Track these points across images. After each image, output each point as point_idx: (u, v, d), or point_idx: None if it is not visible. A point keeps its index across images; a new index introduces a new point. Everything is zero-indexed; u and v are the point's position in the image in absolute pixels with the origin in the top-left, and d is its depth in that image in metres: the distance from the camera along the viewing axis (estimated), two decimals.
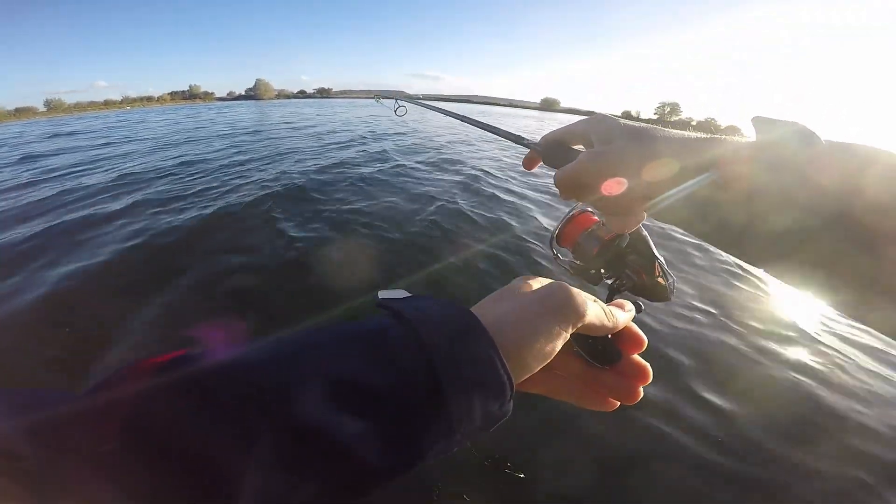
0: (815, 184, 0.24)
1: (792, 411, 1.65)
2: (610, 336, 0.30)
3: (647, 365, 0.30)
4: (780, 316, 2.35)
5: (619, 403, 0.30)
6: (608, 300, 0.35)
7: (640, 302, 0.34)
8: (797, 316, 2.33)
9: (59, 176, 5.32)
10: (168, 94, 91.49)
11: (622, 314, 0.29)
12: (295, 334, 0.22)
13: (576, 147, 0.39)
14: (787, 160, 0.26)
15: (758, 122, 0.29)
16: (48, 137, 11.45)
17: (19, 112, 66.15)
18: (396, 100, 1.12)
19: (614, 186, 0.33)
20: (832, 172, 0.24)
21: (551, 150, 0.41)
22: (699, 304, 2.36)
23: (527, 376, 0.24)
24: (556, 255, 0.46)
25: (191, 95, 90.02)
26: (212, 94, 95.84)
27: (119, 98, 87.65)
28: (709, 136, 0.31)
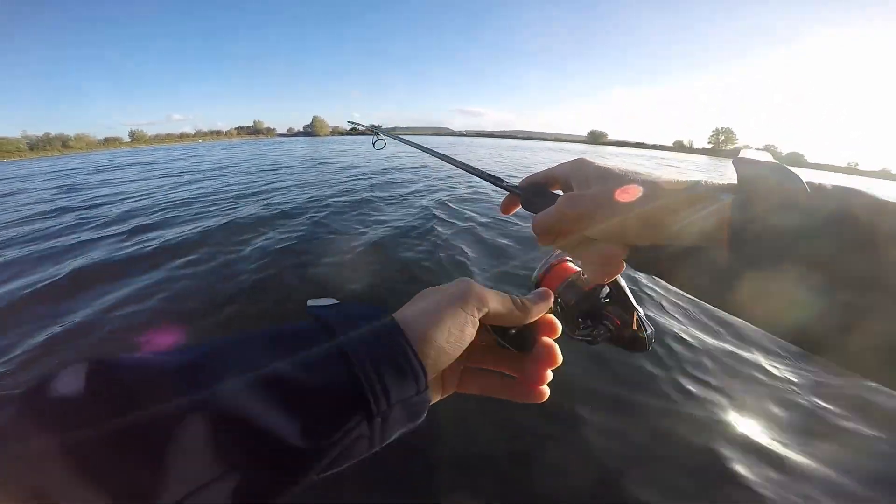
0: (816, 188, 0.25)
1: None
2: (528, 326, 0.33)
3: (556, 347, 0.33)
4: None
5: (547, 392, 0.32)
6: (586, 345, 0.40)
7: (621, 347, 0.39)
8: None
9: None
10: (235, 128, 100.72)
11: (536, 303, 0.32)
12: (228, 335, 0.24)
13: (556, 192, 0.39)
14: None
15: (739, 163, 0.28)
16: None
17: (108, 142, 75.24)
18: (376, 133, 1.10)
19: (594, 229, 0.32)
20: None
21: (530, 195, 0.40)
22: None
23: (448, 361, 0.27)
24: None
25: (255, 131, 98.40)
26: (273, 129, 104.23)
27: (192, 131, 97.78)
28: (688, 181, 0.30)
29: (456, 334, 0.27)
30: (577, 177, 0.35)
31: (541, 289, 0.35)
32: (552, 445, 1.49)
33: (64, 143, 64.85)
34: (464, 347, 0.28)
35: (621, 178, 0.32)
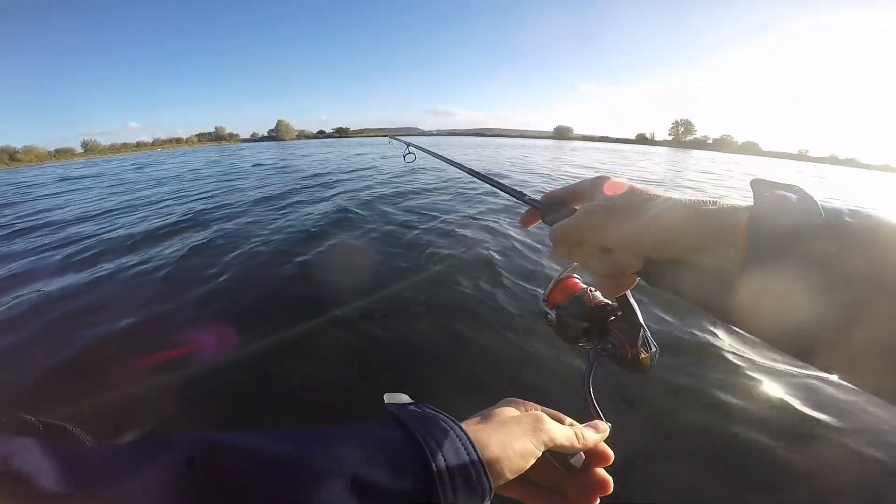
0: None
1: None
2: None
3: (609, 479, 0.34)
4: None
5: None
6: (590, 365, 0.41)
7: (622, 367, 0.40)
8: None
9: None
10: (196, 135, 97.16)
11: (593, 436, 0.34)
12: (318, 430, 0.26)
13: (577, 207, 0.39)
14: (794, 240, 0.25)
15: (757, 185, 0.28)
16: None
17: (59, 153, 70.94)
18: (408, 144, 1.08)
19: (613, 238, 0.33)
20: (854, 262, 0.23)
21: (552, 209, 0.40)
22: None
23: (503, 482, 0.29)
24: (547, 314, 0.46)
25: (217, 137, 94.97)
26: (237, 135, 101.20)
27: (150, 140, 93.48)
28: (713, 203, 0.30)
29: (521, 463, 0.30)
30: (599, 192, 0.35)
31: (597, 421, 0.37)
32: None
33: (11, 155, 60.71)
34: (523, 471, 0.30)
35: (641, 193, 0.33)
